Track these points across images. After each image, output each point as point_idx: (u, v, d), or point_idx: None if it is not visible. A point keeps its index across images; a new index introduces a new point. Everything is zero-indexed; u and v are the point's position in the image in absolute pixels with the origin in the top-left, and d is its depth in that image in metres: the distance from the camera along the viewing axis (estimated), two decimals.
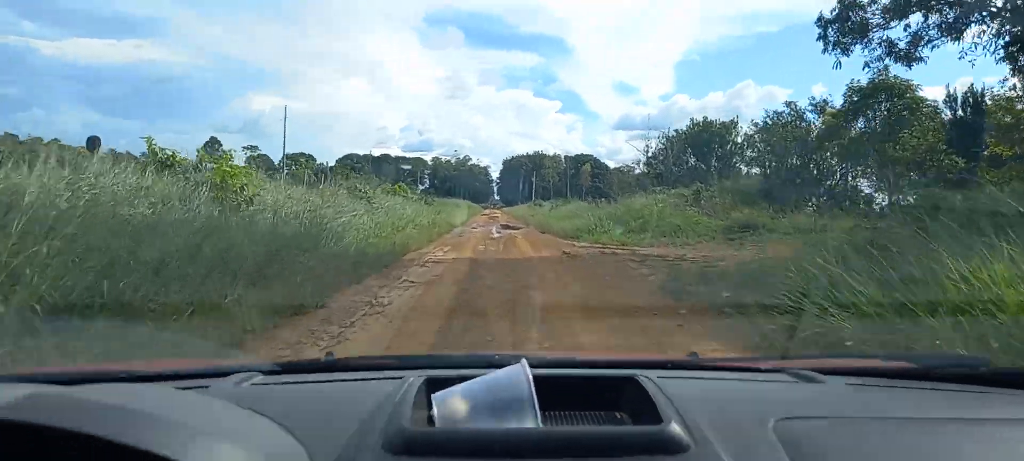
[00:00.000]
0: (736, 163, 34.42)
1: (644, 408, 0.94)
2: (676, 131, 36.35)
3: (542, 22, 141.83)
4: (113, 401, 0.71)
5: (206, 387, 1.13)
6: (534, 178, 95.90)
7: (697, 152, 34.61)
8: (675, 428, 0.80)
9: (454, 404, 0.90)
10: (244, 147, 44.68)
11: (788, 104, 30.95)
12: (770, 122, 30.72)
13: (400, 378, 1.07)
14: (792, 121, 29.07)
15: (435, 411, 0.90)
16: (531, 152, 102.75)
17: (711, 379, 1.28)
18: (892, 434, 0.87)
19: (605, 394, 1.07)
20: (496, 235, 24.82)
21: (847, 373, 1.27)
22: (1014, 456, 0.83)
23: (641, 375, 1.05)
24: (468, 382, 0.95)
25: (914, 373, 1.31)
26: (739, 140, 34.57)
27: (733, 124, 34.72)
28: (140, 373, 1.30)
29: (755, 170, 31.76)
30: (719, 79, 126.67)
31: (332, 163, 62.41)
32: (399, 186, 36.15)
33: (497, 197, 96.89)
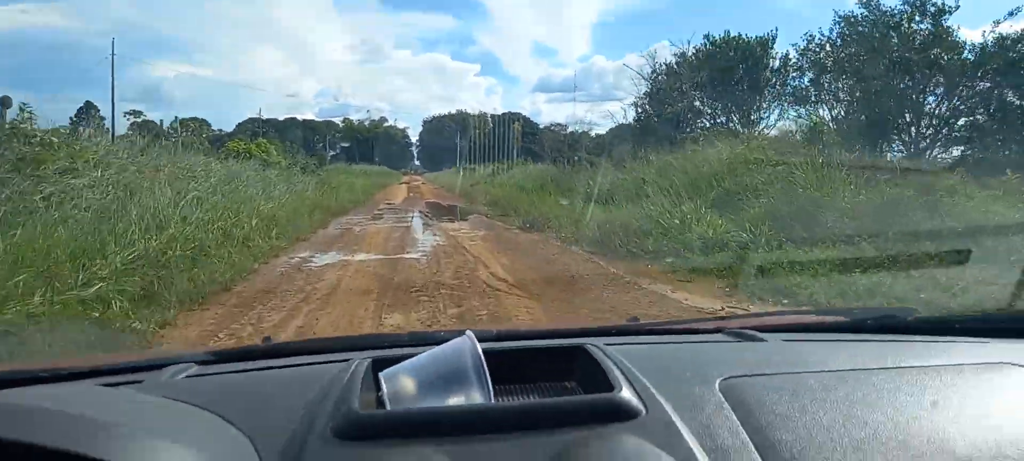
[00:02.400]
0: (777, 100, 23.13)
1: (593, 376, 0.90)
2: (685, 53, 24.51)
3: None
4: (38, 404, 0.65)
5: (139, 382, 1.04)
6: (458, 140, 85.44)
7: (717, 83, 22.96)
8: (626, 394, 0.79)
9: (403, 383, 0.85)
10: (126, 113, 36.72)
11: (865, 3, 19.52)
12: (839, 37, 19.61)
13: (344, 361, 0.98)
14: (881, 32, 18.09)
15: (384, 392, 0.85)
16: (454, 112, 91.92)
17: (655, 343, 1.28)
18: (829, 385, 0.87)
19: (554, 365, 1.03)
20: (417, 235, 12.55)
21: (784, 329, 1.30)
22: (940, 399, 0.84)
23: (588, 343, 1.01)
24: (415, 358, 0.90)
25: (847, 326, 1.37)
26: (776, 65, 23.30)
27: (770, 41, 23.31)
28: (64, 371, 1.14)
29: (828, 111, 20.49)
30: (635, 41, 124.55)
31: (230, 128, 54.77)
32: (257, 145, 23.12)
33: (417, 162, 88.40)
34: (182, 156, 15.41)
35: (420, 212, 17.88)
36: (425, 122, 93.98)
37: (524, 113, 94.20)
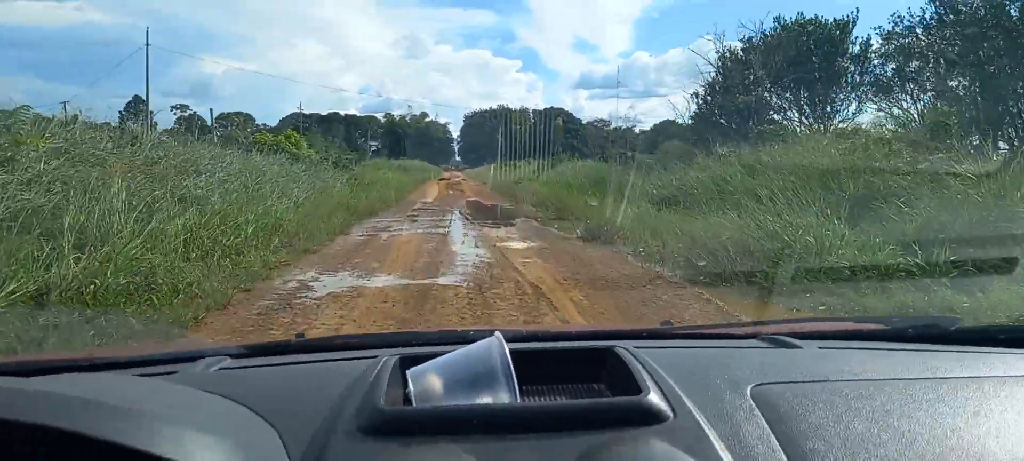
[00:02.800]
0: (855, 90, 20.16)
1: (622, 379, 0.89)
2: (752, 39, 21.56)
3: None
4: (72, 391, 0.65)
5: (173, 373, 1.05)
6: (500, 136, 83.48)
7: (790, 72, 20.05)
8: (654, 398, 0.77)
9: (430, 381, 0.85)
10: (173, 107, 38.39)
11: None
12: (934, 17, 16.77)
13: (373, 357, 0.98)
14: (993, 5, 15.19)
15: (411, 389, 0.84)
16: (495, 107, 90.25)
17: (687, 347, 1.23)
18: (865, 394, 0.84)
19: (582, 367, 1.01)
20: (455, 247, 10.38)
21: (820, 337, 1.26)
22: (981, 411, 0.80)
23: (617, 346, 0.99)
24: (443, 357, 0.89)
25: (886, 335, 1.33)
26: (855, 51, 20.33)
27: (850, 24, 20.31)
28: (101, 361, 1.21)
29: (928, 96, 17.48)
30: (679, 36, 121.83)
31: (274, 123, 54.78)
32: (286, 137, 21.24)
33: (458, 158, 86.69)
34: (194, 149, 13.58)
35: (460, 213, 15.64)
36: (466, 117, 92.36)
37: (566, 109, 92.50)
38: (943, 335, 1.24)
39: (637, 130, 57.11)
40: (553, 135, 79.71)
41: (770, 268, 5.95)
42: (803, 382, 0.89)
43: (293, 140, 20.67)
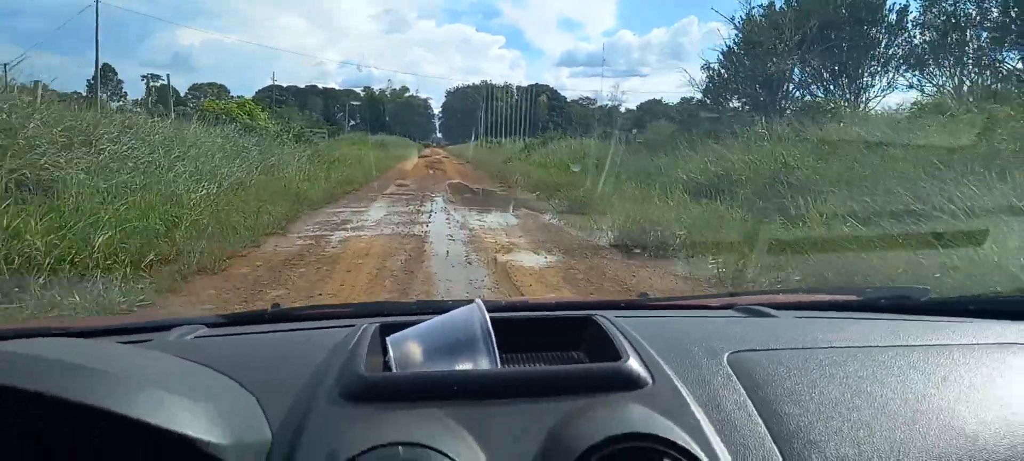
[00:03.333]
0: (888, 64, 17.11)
1: (601, 347, 0.89)
2: (773, 3, 18.43)
3: None
4: (49, 354, 0.62)
5: (148, 341, 1.02)
6: (483, 112, 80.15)
7: (817, 43, 16.95)
8: (633, 363, 0.77)
9: (409, 348, 0.84)
10: (143, 76, 36.44)
11: None
12: None
13: (352, 326, 0.96)
14: None
15: (391, 356, 0.84)
16: (478, 83, 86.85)
17: (665, 317, 1.24)
18: (839, 361, 0.85)
19: (562, 335, 1.01)
20: (436, 264, 7.23)
21: (796, 307, 1.28)
22: (950, 376, 0.82)
23: (596, 315, 0.99)
24: (423, 324, 0.89)
25: (860, 305, 1.34)
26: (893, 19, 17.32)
27: None
28: (77, 329, 1.20)
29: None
30: (662, 14, 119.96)
31: (250, 95, 50.65)
32: (239, 106, 17.87)
33: (439, 134, 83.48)
34: (83, 115, 10.26)
35: (444, 198, 12.48)
36: (448, 92, 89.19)
37: (549, 86, 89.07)
38: (915, 305, 1.27)
39: (623, 109, 54.41)
40: (537, 113, 76.72)
41: None
42: (779, 349, 0.89)
43: (247, 108, 17.23)
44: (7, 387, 0.54)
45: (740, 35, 18.90)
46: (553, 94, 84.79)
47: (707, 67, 20.26)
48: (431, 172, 22.84)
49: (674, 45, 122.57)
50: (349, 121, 75.89)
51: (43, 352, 0.63)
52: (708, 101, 20.52)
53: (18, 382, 0.55)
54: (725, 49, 19.55)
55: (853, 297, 1.41)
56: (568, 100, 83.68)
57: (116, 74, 56.93)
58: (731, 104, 19.62)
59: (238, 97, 40.03)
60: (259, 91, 61.65)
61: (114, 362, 0.68)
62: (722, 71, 19.56)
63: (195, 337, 1.06)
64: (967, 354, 0.90)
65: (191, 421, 0.59)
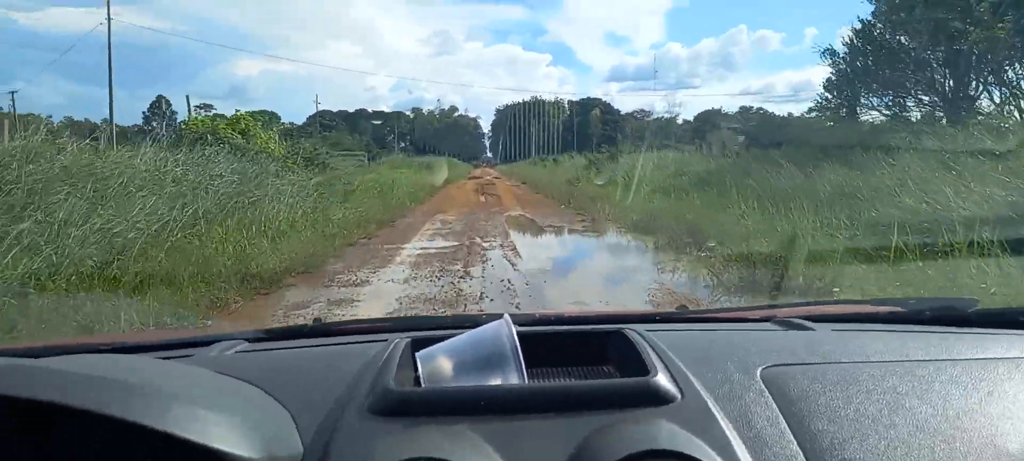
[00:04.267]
0: None
1: (631, 361, 0.86)
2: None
3: None
4: (86, 371, 0.64)
5: (189, 356, 1.04)
6: (533, 129, 76.19)
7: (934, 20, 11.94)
8: (662, 379, 0.75)
9: (439, 363, 0.84)
10: (196, 106, 33.92)
11: None
12: None
13: (385, 341, 0.97)
14: None
15: (420, 371, 0.83)
16: (527, 99, 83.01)
17: (699, 330, 1.18)
18: (877, 375, 0.82)
19: (591, 349, 0.99)
20: None
21: (835, 320, 1.23)
22: (994, 391, 0.78)
23: (627, 328, 0.96)
24: (452, 340, 0.88)
25: (902, 317, 1.27)
26: None
27: None
28: (119, 345, 1.20)
29: None
30: (710, 25, 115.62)
31: (301, 122, 52.28)
32: (235, 121, 14.05)
33: (489, 154, 79.88)
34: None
35: (503, 250, 8.17)
36: (498, 110, 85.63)
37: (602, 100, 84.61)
38: (960, 317, 1.19)
39: (680, 120, 49.55)
40: (592, 127, 72.06)
41: None
42: (814, 364, 0.86)
43: (240, 126, 13.42)
44: (39, 401, 0.56)
45: (883, 4, 13.96)
46: (606, 108, 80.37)
47: (832, 55, 15.40)
48: (483, 199, 18.67)
49: (724, 54, 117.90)
50: (399, 143, 73.44)
51: (77, 367, 0.64)
52: (832, 101, 15.67)
53: (53, 397, 0.56)
54: (860, 29, 14.60)
55: (896, 309, 1.33)
56: (622, 113, 78.93)
57: (171, 105, 56.14)
58: (869, 103, 14.75)
59: (289, 123, 37.72)
60: (309, 117, 60.10)
61: (151, 377, 0.69)
62: (859, 61, 14.69)
63: (235, 352, 1.06)
64: (1013, 368, 0.84)
65: (223, 435, 0.59)
